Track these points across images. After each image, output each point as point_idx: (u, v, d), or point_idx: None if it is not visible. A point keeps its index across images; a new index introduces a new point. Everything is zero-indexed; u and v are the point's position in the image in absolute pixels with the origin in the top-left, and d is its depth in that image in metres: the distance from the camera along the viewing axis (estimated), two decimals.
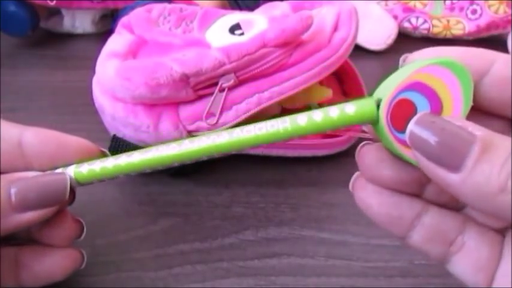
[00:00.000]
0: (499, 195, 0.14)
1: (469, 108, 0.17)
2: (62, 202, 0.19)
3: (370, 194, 0.19)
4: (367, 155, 0.18)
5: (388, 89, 0.17)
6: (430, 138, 0.15)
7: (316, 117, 0.18)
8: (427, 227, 0.18)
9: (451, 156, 0.15)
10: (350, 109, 0.18)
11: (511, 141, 0.14)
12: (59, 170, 0.20)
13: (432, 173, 0.15)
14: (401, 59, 0.18)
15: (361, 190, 0.19)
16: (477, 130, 0.15)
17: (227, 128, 0.19)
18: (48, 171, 0.20)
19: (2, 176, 0.19)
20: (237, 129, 0.18)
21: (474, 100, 0.17)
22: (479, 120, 0.17)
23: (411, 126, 0.16)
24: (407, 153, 0.16)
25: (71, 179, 0.20)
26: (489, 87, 0.17)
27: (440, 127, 0.15)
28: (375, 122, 0.17)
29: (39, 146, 0.20)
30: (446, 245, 0.18)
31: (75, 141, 0.21)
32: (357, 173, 0.19)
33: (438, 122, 0.15)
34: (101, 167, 0.19)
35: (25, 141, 0.20)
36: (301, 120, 0.18)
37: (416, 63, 0.17)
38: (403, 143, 0.16)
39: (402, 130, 0.17)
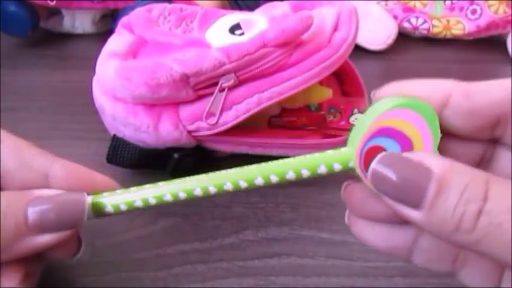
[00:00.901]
0: (455, 233, 0.14)
1: (438, 139, 0.17)
2: (81, 224, 0.19)
3: (363, 228, 0.19)
4: (352, 195, 0.19)
5: (357, 138, 0.18)
6: (390, 176, 0.15)
7: (304, 174, 0.19)
8: (426, 250, 0.18)
9: (411, 194, 0.15)
10: (337, 167, 0.19)
11: (468, 174, 0.15)
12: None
13: (396, 210, 0.16)
14: (371, 94, 0.19)
15: (354, 226, 0.19)
16: (436, 165, 0.15)
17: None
18: (65, 192, 0.19)
19: (19, 192, 0.19)
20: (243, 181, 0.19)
21: (442, 130, 0.17)
22: (459, 144, 0.18)
23: (373, 165, 0.16)
24: None
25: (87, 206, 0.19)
26: (452, 118, 0.17)
27: (399, 165, 0.15)
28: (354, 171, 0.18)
29: (66, 181, 0.20)
30: (449, 263, 0.18)
31: (101, 180, 0.21)
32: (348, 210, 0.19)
33: (397, 160, 0.16)
34: (125, 201, 0.20)
35: (52, 174, 0.20)
36: (290, 176, 0.19)
37: (379, 107, 0.17)
38: None
39: None
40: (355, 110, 0.31)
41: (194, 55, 0.27)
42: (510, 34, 0.46)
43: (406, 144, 0.17)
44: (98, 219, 0.27)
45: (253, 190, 0.29)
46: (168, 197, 0.19)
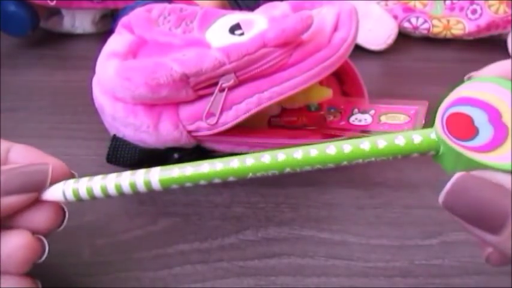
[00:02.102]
0: None
1: None
2: (43, 188, 0.20)
3: None
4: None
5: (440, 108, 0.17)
6: (467, 200, 0.15)
7: (380, 144, 0.18)
8: None
9: (490, 220, 0.14)
10: (417, 139, 0.18)
11: None
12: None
13: (470, 231, 0.15)
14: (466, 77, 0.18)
15: None
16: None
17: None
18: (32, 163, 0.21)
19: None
20: (313, 148, 0.19)
21: None
22: None
23: (448, 187, 0.15)
24: (482, 157, 0.16)
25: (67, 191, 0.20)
26: None
27: (476, 188, 0.15)
28: (436, 148, 0.17)
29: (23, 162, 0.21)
30: None
31: (53, 161, 0.21)
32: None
33: (475, 182, 0.15)
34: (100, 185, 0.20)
35: (11, 158, 0.21)
36: (364, 145, 0.18)
37: (465, 83, 0.17)
38: (471, 149, 0.16)
39: (464, 138, 0.17)
40: (355, 110, 0.31)
41: (194, 55, 0.27)
42: (510, 34, 0.46)
43: (494, 114, 0.17)
44: (97, 219, 0.27)
45: (253, 190, 0.29)
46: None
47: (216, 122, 0.27)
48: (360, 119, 0.31)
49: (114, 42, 0.30)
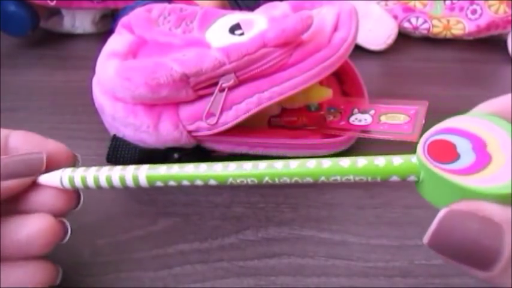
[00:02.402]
0: None
1: None
2: (39, 173, 0.21)
3: None
4: None
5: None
6: (453, 243, 0.14)
7: (360, 163, 0.18)
8: None
9: (480, 258, 0.14)
10: (397, 160, 0.18)
11: None
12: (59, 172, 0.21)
13: (459, 268, 0.15)
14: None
15: None
16: (505, 222, 0.13)
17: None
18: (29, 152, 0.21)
19: None
20: (293, 161, 0.19)
21: None
22: None
23: (434, 225, 0.15)
24: (462, 180, 0.16)
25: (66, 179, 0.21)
26: None
27: (462, 233, 0.14)
28: (417, 173, 0.17)
29: (22, 148, 0.21)
30: None
31: (54, 145, 0.22)
32: None
33: (463, 218, 0.14)
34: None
35: (11, 144, 0.22)
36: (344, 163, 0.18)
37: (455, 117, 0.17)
38: (451, 171, 0.16)
39: (445, 161, 0.16)
40: (355, 110, 0.31)
41: (194, 55, 0.27)
42: (510, 34, 0.46)
43: (480, 144, 0.16)
44: (97, 220, 0.27)
45: (253, 190, 0.29)
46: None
47: (216, 122, 0.27)
48: (360, 119, 0.31)
49: (114, 42, 0.30)
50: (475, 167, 0.16)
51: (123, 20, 0.32)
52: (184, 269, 0.24)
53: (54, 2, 0.44)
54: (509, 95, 0.17)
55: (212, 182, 0.20)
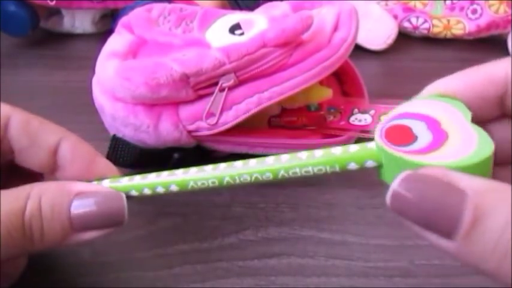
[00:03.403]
0: (498, 269, 0.13)
1: (469, 118, 0.17)
2: (123, 223, 0.20)
3: None
4: None
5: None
6: (415, 200, 0.14)
7: (317, 154, 0.18)
8: None
9: (441, 222, 0.13)
10: (353, 148, 0.18)
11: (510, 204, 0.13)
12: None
13: (421, 236, 0.14)
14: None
15: None
16: (469, 186, 0.13)
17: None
18: (103, 187, 0.20)
19: (57, 189, 0.19)
20: (282, 170, 0.19)
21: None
22: None
23: (393, 186, 0.14)
24: (422, 159, 0.16)
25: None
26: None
27: (425, 187, 0.14)
28: (377, 159, 0.17)
29: (72, 160, 0.21)
30: None
31: (104, 163, 0.22)
32: None
33: (423, 180, 0.14)
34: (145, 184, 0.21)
35: (60, 153, 0.21)
36: (352, 166, 0.18)
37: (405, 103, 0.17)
38: (411, 152, 0.16)
39: (403, 144, 0.16)
40: (355, 110, 0.31)
41: (194, 55, 0.27)
42: (510, 34, 0.46)
43: (434, 124, 0.16)
44: None
45: (253, 190, 0.29)
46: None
47: (216, 122, 0.27)
48: (360, 119, 0.31)
49: (114, 42, 0.30)
50: (434, 145, 0.16)
51: (123, 20, 0.32)
52: (184, 269, 0.24)
53: (54, 2, 0.44)
54: (453, 75, 0.18)
55: (173, 188, 0.20)
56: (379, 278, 0.24)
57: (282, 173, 0.19)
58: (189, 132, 0.28)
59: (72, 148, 0.21)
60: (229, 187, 0.20)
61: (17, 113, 0.21)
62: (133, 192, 0.21)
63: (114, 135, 0.28)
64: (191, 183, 0.20)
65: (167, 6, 0.33)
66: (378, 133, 0.17)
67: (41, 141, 0.21)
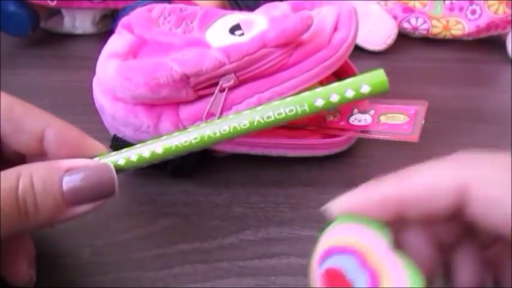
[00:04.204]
0: None
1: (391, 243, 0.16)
2: (114, 193, 0.20)
3: None
4: None
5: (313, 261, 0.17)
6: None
7: (333, 99, 0.20)
8: None
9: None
10: (365, 89, 0.20)
11: None
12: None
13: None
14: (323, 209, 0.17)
15: None
16: None
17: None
18: (92, 160, 0.21)
19: (47, 166, 0.19)
20: (257, 116, 0.21)
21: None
22: None
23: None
24: None
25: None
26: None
27: None
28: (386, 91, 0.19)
29: (58, 146, 0.21)
30: None
31: (93, 146, 0.22)
32: None
33: None
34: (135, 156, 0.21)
35: (47, 139, 0.21)
36: (319, 103, 0.20)
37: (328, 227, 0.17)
38: None
39: None
40: (355, 110, 0.31)
41: (194, 55, 0.27)
42: (510, 34, 0.46)
43: (362, 259, 0.16)
44: (97, 220, 0.27)
45: (253, 190, 0.29)
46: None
47: None
48: (359, 119, 0.31)
49: (115, 42, 0.30)
50: (373, 285, 0.15)
51: (123, 20, 0.32)
52: (184, 269, 0.24)
53: (55, 2, 0.44)
54: (363, 189, 0.17)
55: (158, 150, 0.21)
56: None
57: (256, 118, 0.21)
58: None
59: (58, 134, 0.21)
60: (211, 143, 0.21)
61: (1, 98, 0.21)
62: (121, 161, 0.21)
63: (114, 135, 0.28)
64: (175, 142, 0.21)
65: (167, 6, 0.33)
66: (317, 283, 0.16)
67: (25, 128, 0.21)
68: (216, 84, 0.27)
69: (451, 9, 0.47)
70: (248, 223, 0.27)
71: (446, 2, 0.47)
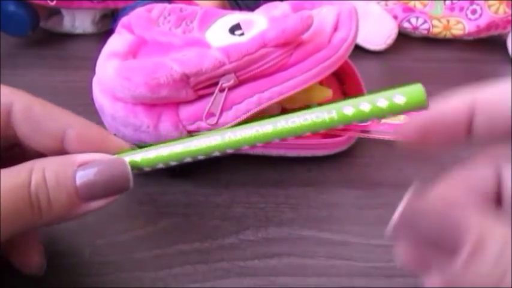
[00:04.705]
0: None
1: None
2: (128, 188, 0.20)
3: None
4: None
5: None
6: (421, 226, 0.15)
7: (364, 107, 0.18)
8: None
9: (443, 249, 0.14)
10: (400, 99, 0.18)
11: (507, 231, 0.14)
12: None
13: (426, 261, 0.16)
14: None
15: None
16: (469, 220, 0.14)
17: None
18: (105, 155, 0.20)
19: (60, 161, 0.19)
20: (282, 120, 0.19)
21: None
22: None
23: (394, 220, 0.15)
24: None
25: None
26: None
27: (430, 216, 0.15)
28: (424, 107, 0.17)
29: (79, 146, 0.20)
30: None
31: (116, 145, 0.21)
32: None
33: (429, 209, 0.15)
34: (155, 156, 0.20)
35: (67, 140, 0.20)
36: (348, 110, 0.18)
37: None
38: None
39: None
40: None
41: (194, 55, 0.27)
42: (510, 34, 0.46)
43: None
44: (98, 220, 0.27)
45: (253, 190, 0.29)
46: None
47: (216, 122, 0.27)
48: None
49: (114, 42, 0.30)
50: None
51: (123, 20, 0.32)
52: (184, 269, 0.24)
53: (54, 2, 0.44)
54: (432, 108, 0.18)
55: (177, 148, 0.20)
56: (379, 278, 0.24)
57: (281, 123, 0.19)
58: (189, 132, 0.28)
59: (79, 134, 0.20)
60: (232, 147, 0.20)
61: (19, 98, 0.20)
62: (137, 157, 0.20)
63: (114, 135, 0.28)
64: (195, 143, 0.20)
65: (167, 6, 0.33)
66: None
67: (45, 129, 0.20)
68: (216, 84, 0.27)
69: (452, 9, 0.47)
70: (248, 223, 0.27)
71: (447, 1, 0.47)
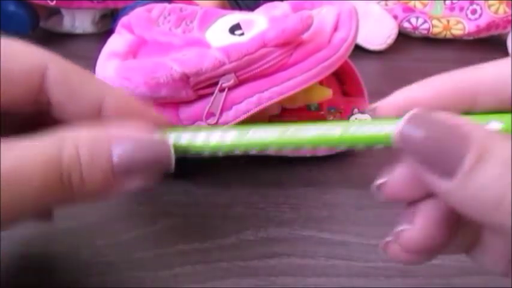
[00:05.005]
0: (494, 210, 0.13)
1: None
2: (169, 168, 0.18)
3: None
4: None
5: None
6: (420, 136, 0.14)
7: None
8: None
9: (443, 161, 0.14)
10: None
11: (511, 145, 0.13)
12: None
13: (423, 178, 0.15)
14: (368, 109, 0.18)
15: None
16: (474, 131, 0.14)
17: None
18: (145, 129, 0.18)
19: (95, 133, 0.17)
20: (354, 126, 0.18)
21: None
22: None
23: (402, 124, 0.14)
24: None
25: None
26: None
27: (431, 126, 0.14)
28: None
29: (118, 118, 0.19)
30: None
31: (156, 118, 0.20)
32: None
33: (430, 120, 0.14)
34: (202, 141, 0.18)
35: (106, 107, 0.19)
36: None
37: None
38: None
39: None
40: (355, 110, 0.31)
41: (194, 55, 0.27)
42: (510, 34, 0.46)
43: None
44: (97, 220, 0.27)
45: (253, 190, 0.29)
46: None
47: (216, 122, 0.27)
48: (359, 119, 0.31)
49: (114, 42, 0.30)
50: None
51: (123, 20, 0.32)
52: (184, 269, 0.24)
53: (54, 1, 0.44)
54: (421, 82, 0.18)
55: (228, 137, 0.19)
56: (379, 278, 0.24)
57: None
58: None
59: (119, 104, 0.19)
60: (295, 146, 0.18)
61: (54, 63, 0.18)
62: (183, 138, 0.18)
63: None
64: (249, 135, 0.18)
65: (167, 6, 0.33)
66: None
67: (83, 97, 0.18)
68: (216, 83, 0.27)
69: (452, 9, 0.47)
70: (248, 223, 0.27)
71: (447, 1, 0.47)
